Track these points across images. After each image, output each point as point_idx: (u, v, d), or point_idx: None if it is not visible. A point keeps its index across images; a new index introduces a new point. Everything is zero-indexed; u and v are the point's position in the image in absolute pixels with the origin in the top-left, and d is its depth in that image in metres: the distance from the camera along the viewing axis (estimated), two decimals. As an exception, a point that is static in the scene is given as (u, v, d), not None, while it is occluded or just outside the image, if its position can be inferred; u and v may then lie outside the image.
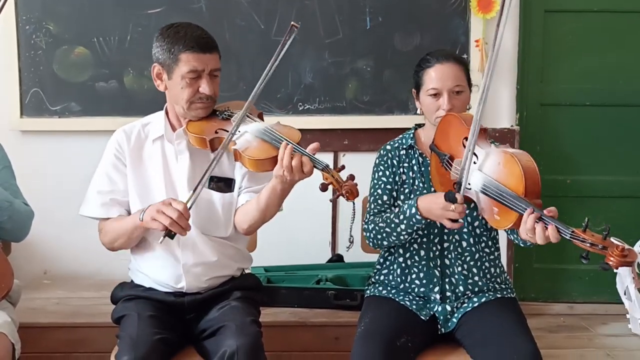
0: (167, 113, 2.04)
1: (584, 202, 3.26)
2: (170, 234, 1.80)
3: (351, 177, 1.74)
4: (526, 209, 1.65)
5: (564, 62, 3.24)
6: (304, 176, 1.76)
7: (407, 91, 3.10)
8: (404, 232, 1.96)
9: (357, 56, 3.10)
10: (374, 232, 2.03)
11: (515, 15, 3.15)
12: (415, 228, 1.95)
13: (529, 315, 2.21)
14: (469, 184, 1.81)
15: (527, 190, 1.68)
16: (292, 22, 1.88)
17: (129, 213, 2.00)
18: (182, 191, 1.96)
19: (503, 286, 2.09)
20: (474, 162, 1.82)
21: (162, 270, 1.99)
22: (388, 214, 2.01)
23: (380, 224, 2.00)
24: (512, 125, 3.20)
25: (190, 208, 1.82)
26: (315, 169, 1.76)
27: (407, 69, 3.09)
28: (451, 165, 1.89)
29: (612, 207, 3.27)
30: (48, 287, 3.02)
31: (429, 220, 1.93)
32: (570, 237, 1.58)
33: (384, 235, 2.00)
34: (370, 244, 2.07)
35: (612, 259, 1.50)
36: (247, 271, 2.15)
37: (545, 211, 1.65)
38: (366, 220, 2.08)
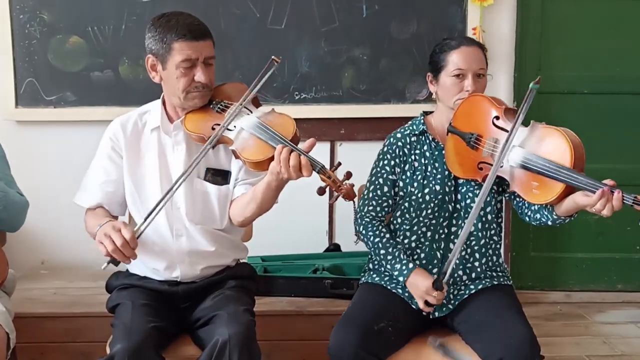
0: (164, 103, 2.02)
1: (581, 191, 3.25)
2: (114, 261, 1.76)
3: (347, 176, 1.73)
4: (575, 179, 1.76)
5: (562, 49, 3.23)
6: (301, 176, 1.73)
7: (404, 80, 3.12)
8: (385, 266, 2.03)
9: (353, 44, 3.08)
10: (365, 238, 2.06)
11: (513, 1, 3.13)
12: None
13: (526, 303, 2.21)
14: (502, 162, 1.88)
15: (575, 162, 1.79)
16: (272, 57, 1.89)
17: (124, 202, 2.00)
18: None
19: (500, 274, 2.09)
20: None
21: (156, 259, 1.98)
22: (385, 245, 2.02)
23: (373, 241, 2.04)
24: (509, 114, 3.19)
25: (138, 237, 1.77)
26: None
27: (404, 57, 3.11)
28: (479, 143, 1.92)
29: (610, 195, 3.27)
30: (45, 277, 3.02)
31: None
32: (633, 203, 1.72)
33: (370, 247, 2.05)
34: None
35: None
36: (242, 261, 2.14)
37: (606, 181, 1.77)
38: (360, 212, 2.07)
